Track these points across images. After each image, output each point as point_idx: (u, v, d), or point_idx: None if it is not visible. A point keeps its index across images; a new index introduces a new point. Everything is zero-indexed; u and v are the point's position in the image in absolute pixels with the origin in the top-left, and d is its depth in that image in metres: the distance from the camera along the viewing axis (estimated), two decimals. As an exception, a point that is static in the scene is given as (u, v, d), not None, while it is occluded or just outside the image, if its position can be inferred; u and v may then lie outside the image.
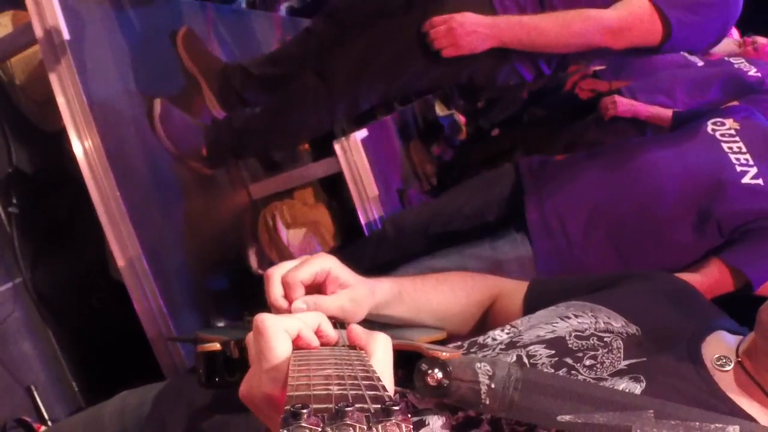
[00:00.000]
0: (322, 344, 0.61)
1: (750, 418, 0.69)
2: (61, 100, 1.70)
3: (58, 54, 1.68)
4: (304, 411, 0.39)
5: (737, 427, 0.63)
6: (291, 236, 2.38)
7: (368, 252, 1.97)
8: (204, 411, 0.88)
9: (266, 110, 2.04)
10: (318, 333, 0.61)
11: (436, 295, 1.00)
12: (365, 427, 0.39)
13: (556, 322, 0.81)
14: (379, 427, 0.39)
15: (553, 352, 0.76)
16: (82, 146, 1.71)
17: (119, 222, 1.71)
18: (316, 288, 0.83)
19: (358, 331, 0.60)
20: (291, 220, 2.42)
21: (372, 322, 0.88)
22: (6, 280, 1.81)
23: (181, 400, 0.91)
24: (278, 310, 0.79)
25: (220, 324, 2.01)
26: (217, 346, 0.78)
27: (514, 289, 1.05)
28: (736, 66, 2.39)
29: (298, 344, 0.58)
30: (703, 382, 0.71)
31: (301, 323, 0.59)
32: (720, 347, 0.76)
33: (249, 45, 2.75)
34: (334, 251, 2.11)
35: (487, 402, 0.66)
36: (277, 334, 0.55)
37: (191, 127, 2.02)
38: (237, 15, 2.80)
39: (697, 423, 0.62)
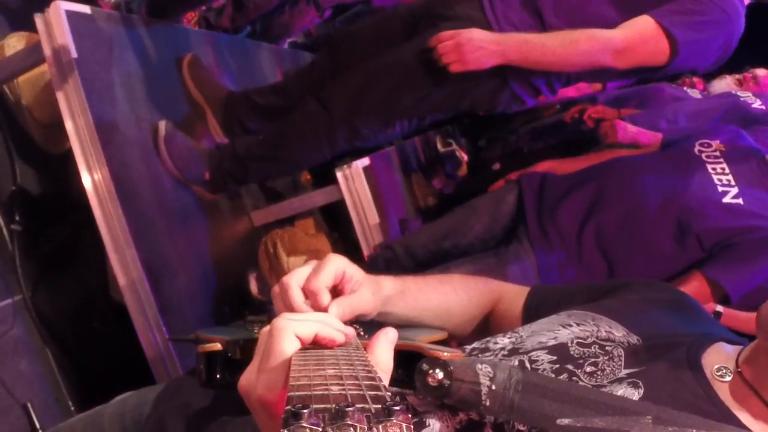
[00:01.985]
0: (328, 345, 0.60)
1: (746, 429, 0.69)
2: (69, 125, 1.72)
3: (66, 72, 1.69)
4: (305, 411, 0.38)
5: None
6: (291, 263, 2.38)
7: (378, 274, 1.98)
8: (203, 411, 0.87)
9: (268, 138, 2.06)
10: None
11: (437, 295, 1.00)
12: (366, 427, 0.38)
13: (558, 330, 0.81)
14: (380, 427, 0.39)
15: (555, 358, 0.76)
16: (90, 176, 1.72)
17: (123, 245, 1.72)
18: (331, 290, 0.82)
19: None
20: (291, 248, 2.42)
21: (372, 322, 0.88)
22: (6, 296, 1.81)
23: (181, 401, 0.91)
24: None
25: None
26: (217, 345, 0.78)
27: (516, 295, 1.05)
28: (742, 99, 2.37)
29: (322, 344, 0.58)
30: (702, 391, 0.71)
31: (318, 325, 0.58)
32: (720, 357, 0.76)
33: (252, 74, 2.79)
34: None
35: (488, 403, 0.66)
36: (285, 336, 0.55)
37: (195, 151, 2.03)
38: (241, 45, 2.84)
39: (694, 430, 0.62)
